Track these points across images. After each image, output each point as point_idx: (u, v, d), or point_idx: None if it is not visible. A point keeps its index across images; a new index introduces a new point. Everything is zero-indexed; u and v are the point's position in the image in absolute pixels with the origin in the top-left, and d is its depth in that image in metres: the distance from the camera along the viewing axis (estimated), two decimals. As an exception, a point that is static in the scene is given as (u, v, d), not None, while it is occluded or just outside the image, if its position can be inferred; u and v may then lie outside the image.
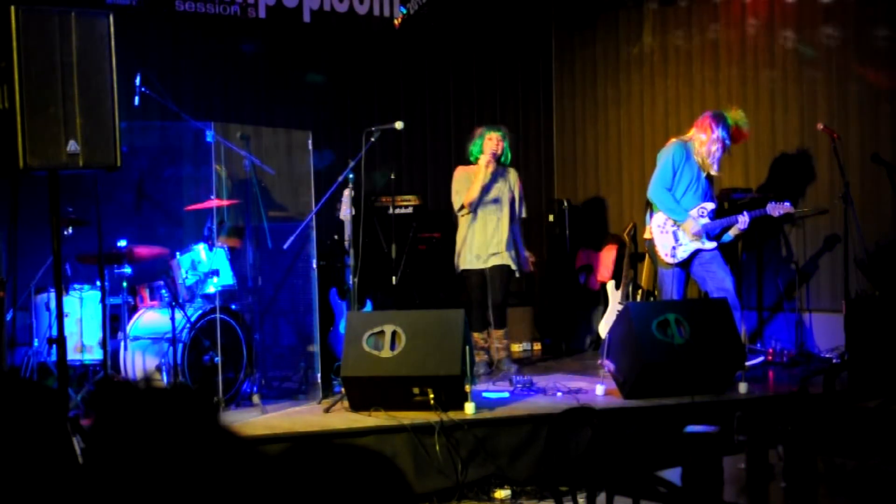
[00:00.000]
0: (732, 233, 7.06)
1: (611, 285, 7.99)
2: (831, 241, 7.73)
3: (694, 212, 7.01)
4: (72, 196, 5.97)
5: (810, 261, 7.88)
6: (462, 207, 7.23)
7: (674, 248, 7.05)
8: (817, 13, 7.81)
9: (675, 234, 7.05)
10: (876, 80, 7.51)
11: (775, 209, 7.08)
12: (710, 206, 7.05)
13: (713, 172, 7.03)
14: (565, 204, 9.30)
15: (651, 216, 7.21)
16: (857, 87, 7.63)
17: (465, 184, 7.24)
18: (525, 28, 9.73)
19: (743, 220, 6.97)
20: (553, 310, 9.27)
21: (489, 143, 7.23)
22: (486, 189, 7.20)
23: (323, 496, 1.47)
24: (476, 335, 7.06)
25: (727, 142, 6.99)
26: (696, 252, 7.04)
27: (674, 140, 7.20)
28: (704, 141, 6.98)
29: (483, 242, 7.19)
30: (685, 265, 7.08)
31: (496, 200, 7.24)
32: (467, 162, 7.37)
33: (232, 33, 8.18)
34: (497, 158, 7.22)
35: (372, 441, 5.51)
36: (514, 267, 7.23)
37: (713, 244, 7.02)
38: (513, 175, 7.36)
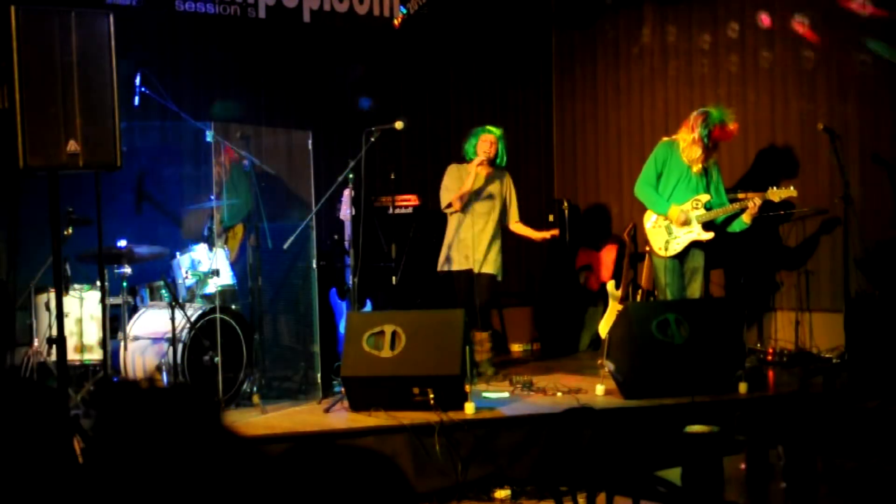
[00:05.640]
0: (746, 218, 7.04)
1: (611, 285, 7.97)
2: (829, 225, 7.65)
3: (687, 205, 7.05)
4: (72, 196, 5.97)
5: (810, 261, 7.87)
6: (449, 205, 7.17)
7: (667, 241, 7.10)
8: (818, 12, 7.81)
9: (668, 227, 7.11)
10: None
11: (776, 194, 7.08)
12: (706, 197, 7.09)
13: (695, 170, 7.07)
14: (565, 204, 9.30)
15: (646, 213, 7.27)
16: (857, 87, 7.62)
17: (455, 182, 7.17)
18: (525, 28, 9.72)
19: (755, 203, 6.97)
20: (553, 310, 9.27)
21: (483, 144, 7.15)
22: (478, 191, 7.16)
23: (323, 496, 1.47)
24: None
25: (706, 140, 7.04)
26: (691, 247, 7.06)
27: (663, 139, 7.28)
28: (687, 139, 7.08)
29: (472, 244, 7.10)
30: (680, 257, 7.11)
31: (488, 202, 7.18)
32: (465, 160, 7.34)
33: (232, 33, 8.18)
34: (491, 161, 7.17)
35: (372, 441, 5.50)
36: (499, 277, 7.20)
37: (710, 234, 7.05)
38: (507, 178, 7.33)
